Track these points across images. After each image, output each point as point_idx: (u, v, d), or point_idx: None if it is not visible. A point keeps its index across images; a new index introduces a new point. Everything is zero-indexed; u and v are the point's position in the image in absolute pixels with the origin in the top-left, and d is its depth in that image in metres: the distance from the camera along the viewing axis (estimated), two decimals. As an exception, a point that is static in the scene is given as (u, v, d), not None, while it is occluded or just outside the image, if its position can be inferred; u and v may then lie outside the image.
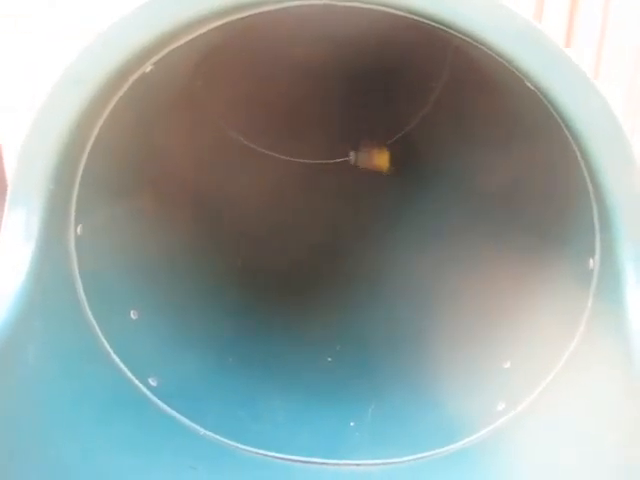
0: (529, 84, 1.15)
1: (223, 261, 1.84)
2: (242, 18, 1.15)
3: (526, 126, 1.47)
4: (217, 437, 1.39)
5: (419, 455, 1.37)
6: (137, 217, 1.51)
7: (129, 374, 1.39)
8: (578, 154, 1.16)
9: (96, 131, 1.23)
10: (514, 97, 1.43)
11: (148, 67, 1.20)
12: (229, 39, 1.69)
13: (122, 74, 1.14)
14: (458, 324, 1.66)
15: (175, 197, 1.71)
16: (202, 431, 1.40)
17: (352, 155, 1.87)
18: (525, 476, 1.25)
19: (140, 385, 1.39)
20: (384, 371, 1.66)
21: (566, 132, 1.16)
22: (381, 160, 1.74)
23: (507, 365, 1.46)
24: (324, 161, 2.41)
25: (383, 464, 1.37)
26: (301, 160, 2.44)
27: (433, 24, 1.12)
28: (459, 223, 1.85)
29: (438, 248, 1.85)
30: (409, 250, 1.79)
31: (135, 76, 1.20)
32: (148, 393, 1.40)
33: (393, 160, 1.74)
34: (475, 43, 1.12)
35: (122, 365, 1.39)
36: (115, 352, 1.38)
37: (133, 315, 1.47)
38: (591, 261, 1.26)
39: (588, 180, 1.18)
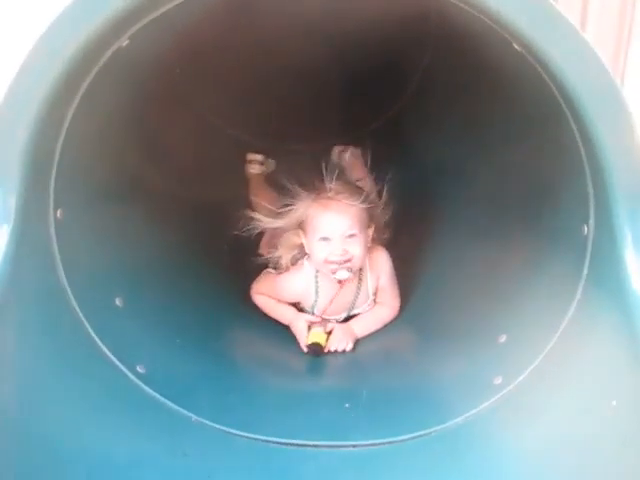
0: (516, 45, 1.13)
1: (210, 246, 1.80)
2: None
3: (511, 93, 1.44)
4: (208, 423, 1.35)
5: (417, 434, 1.33)
6: (120, 202, 1.47)
7: (116, 361, 1.35)
8: (569, 115, 1.13)
9: (73, 109, 1.19)
10: (500, 68, 1.41)
11: (124, 41, 1.17)
12: (208, 17, 1.65)
13: (97, 47, 1.10)
14: (451, 301, 1.63)
15: (159, 182, 1.67)
16: (193, 417, 1.36)
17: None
18: (525, 450, 1.23)
19: (128, 372, 1.35)
20: (378, 350, 1.63)
21: (555, 92, 1.13)
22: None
23: (503, 339, 1.43)
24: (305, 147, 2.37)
25: (380, 444, 1.33)
26: (285, 147, 2.40)
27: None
28: (452, 197, 1.82)
29: (432, 222, 1.82)
30: (405, 225, 1.75)
31: (111, 50, 1.16)
32: (136, 380, 1.36)
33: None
34: (460, 4, 1.09)
35: (108, 352, 1.35)
36: (101, 339, 1.34)
37: (118, 302, 1.43)
38: (585, 227, 1.23)
39: (580, 142, 1.15)
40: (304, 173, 1.63)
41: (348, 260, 1.58)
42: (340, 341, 1.64)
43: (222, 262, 1.80)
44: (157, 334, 1.47)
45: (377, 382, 1.53)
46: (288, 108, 2.20)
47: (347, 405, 1.46)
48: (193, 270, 1.69)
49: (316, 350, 1.62)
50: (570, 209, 1.28)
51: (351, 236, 1.57)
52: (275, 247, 1.84)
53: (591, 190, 1.17)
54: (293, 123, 2.27)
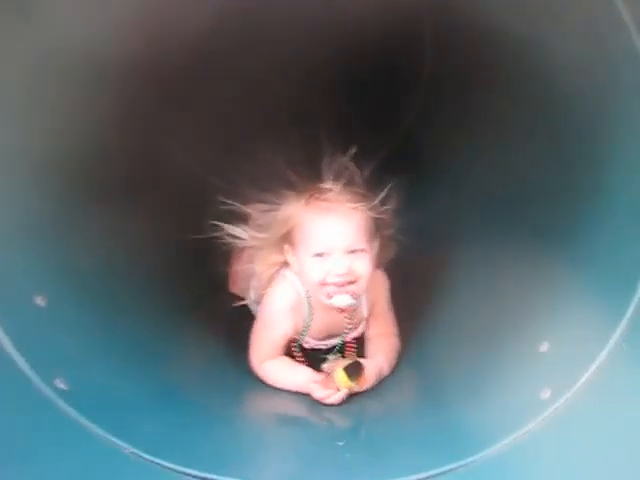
0: None
1: (163, 255, 1.42)
2: None
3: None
4: (147, 457, 0.97)
5: (438, 470, 0.96)
6: (51, 170, 1.14)
7: (28, 371, 1.00)
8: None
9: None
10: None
11: None
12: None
13: None
14: (483, 306, 1.28)
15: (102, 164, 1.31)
16: (127, 448, 0.98)
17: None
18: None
19: (43, 385, 0.99)
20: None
21: None
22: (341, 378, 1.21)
23: (544, 347, 1.09)
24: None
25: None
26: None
27: None
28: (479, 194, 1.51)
29: (461, 225, 1.49)
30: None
31: None
32: (53, 396, 0.99)
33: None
34: None
35: (22, 360, 1.00)
36: (13, 344, 1.00)
37: (39, 301, 1.08)
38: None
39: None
40: (294, 168, 1.27)
41: (352, 282, 1.21)
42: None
43: (175, 275, 1.42)
44: (87, 346, 1.11)
45: (383, 416, 1.17)
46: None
47: (340, 444, 1.08)
48: (142, 278, 1.32)
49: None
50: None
51: (355, 251, 1.22)
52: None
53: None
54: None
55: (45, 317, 1.08)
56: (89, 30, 1.12)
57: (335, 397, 1.19)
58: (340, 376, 1.20)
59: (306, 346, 1.36)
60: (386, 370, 1.29)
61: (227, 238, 1.31)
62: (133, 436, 1.00)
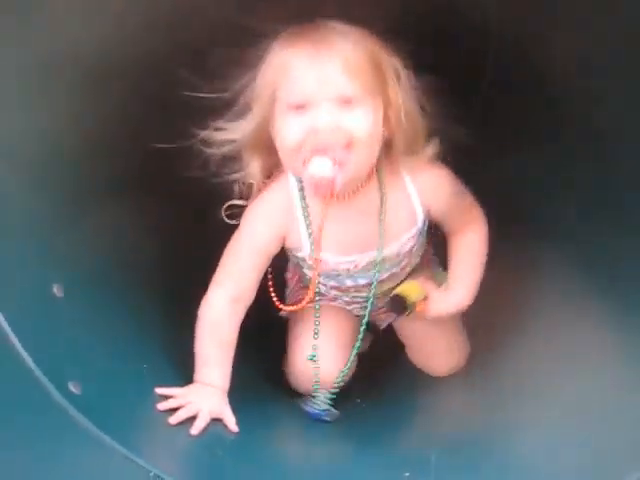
0: None
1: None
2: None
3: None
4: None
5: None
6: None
7: (36, 370, 0.83)
8: None
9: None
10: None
11: None
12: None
13: None
14: (578, 321, 1.05)
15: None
16: (150, 471, 0.81)
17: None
18: None
19: (52, 389, 0.83)
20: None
21: None
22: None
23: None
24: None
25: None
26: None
27: None
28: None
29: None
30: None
31: None
32: (64, 402, 0.83)
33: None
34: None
35: (31, 361, 0.83)
36: (22, 342, 0.83)
37: (57, 290, 0.93)
38: None
39: None
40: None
41: (344, 146, 0.88)
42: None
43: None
44: (105, 342, 0.95)
45: (457, 448, 0.96)
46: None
47: (407, 474, 0.89)
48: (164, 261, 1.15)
49: (399, 305, 1.04)
50: None
51: (350, 101, 0.88)
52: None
53: None
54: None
55: (61, 310, 0.92)
56: (89, 30, 1.00)
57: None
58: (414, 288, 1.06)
59: (327, 267, 1.04)
60: (465, 303, 1.08)
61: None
62: (158, 456, 0.83)
